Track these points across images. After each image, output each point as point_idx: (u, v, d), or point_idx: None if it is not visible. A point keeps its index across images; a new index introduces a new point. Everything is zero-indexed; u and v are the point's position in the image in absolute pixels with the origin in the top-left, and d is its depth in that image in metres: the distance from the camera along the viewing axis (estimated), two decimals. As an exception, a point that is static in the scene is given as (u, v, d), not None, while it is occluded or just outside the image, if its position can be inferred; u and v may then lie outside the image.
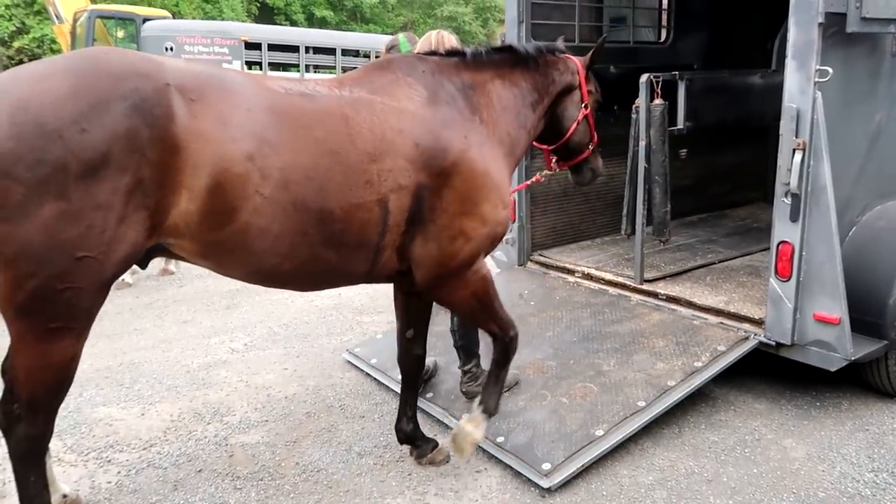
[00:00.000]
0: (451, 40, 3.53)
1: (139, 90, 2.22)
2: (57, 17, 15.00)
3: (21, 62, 18.31)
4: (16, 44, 20.35)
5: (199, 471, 3.43)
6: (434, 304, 3.34)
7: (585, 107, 3.43)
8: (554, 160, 3.64)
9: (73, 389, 4.29)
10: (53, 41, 18.53)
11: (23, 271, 2.14)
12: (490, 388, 3.22)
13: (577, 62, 3.43)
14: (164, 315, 5.82)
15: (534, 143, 3.50)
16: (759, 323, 3.99)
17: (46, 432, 2.53)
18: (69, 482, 3.28)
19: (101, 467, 3.47)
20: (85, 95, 2.14)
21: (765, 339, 3.89)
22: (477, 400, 3.23)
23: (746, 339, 3.96)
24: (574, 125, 3.41)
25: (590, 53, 3.47)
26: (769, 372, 4.29)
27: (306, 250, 2.56)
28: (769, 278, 3.82)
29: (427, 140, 2.73)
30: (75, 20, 14.16)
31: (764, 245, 5.15)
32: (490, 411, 3.19)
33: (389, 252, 2.77)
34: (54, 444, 3.63)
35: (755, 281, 4.72)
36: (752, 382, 4.26)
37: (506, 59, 3.20)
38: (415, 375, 3.44)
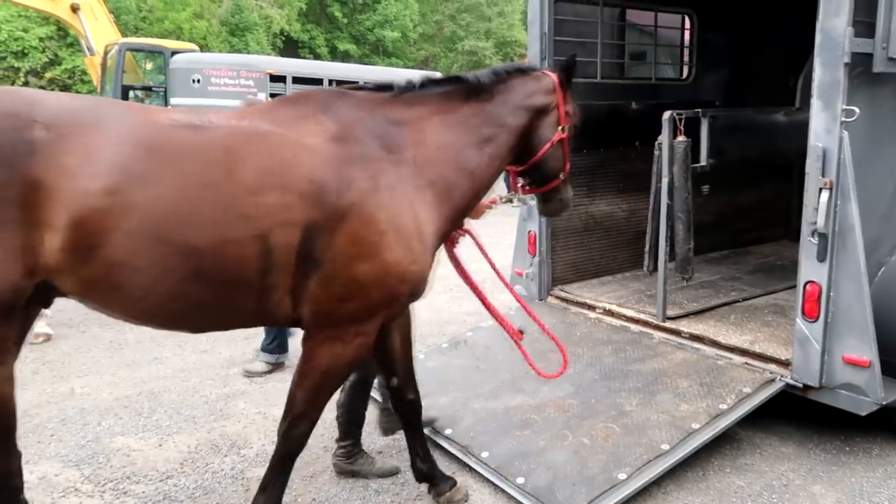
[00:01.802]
0: None
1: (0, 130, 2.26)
2: (88, 49, 15.45)
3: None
4: (48, 74, 20.95)
5: (215, 505, 3.40)
6: (412, 335, 3.22)
7: (563, 130, 3.11)
8: (520, 184, 3.34)
9: (92, 418, 4.34)
10: (84, 72, 19.05)
11: None
12: (265, 492, 2.92)
13: (555, 79, 3.10)
14: (184, 345, 5.83)
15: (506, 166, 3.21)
16: (785, 364, 3.91)
17: (8, 470, 2.51)
18: (85, 514, 3.26)
19: (118, 499, 3.45)
20: None
21: (792, 381, 3.80)
22: None
23: (773, 380, 3.87)
24: (546, 147, 3.08)
25: (561, 69, 3.12)
26: (795, 414, 4.19)
27: (172, 285, 2.44)
28: (796, 318, 3.75)
29: (324, 176, 2.54)
30: (106, 52, 14.56)
31: (788, 283, 5.08)
32: None
33: (281, 293, 2.56)
34: (73, 474, 3.64)
35: (780, 320, 4.64)
36: (779, 425, 4.16)
37: (452, 93, 2.95)
38: (415, 420, 3.34)
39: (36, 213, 2.29)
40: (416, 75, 3.21)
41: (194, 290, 2.47)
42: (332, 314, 2.65)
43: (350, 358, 2.78)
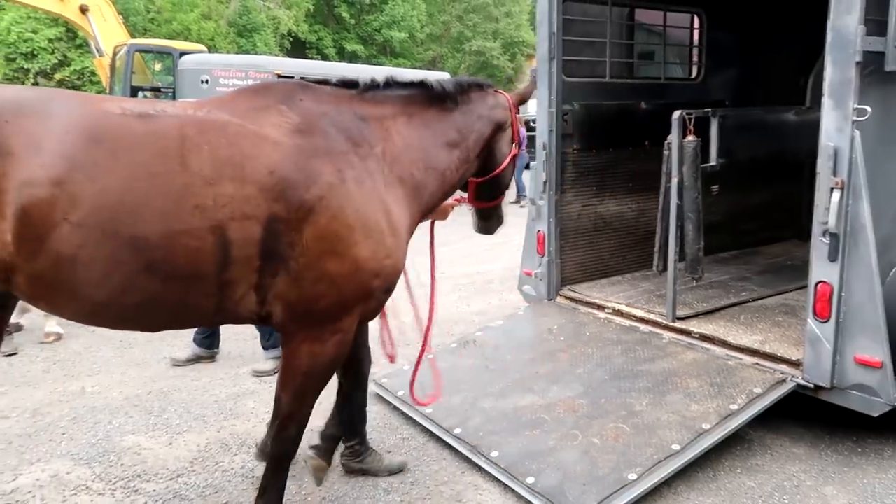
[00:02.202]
0: None
1: None
2: (97, 50, 15.51)
3: (62, 93, 18.85)
4: (57, 76, 21.06)
5: (226, 503, 3.41)
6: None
7: (516, 147, 3.25)
8: (467, 198, 3.39)
9: (103, 417, 4.36)
10: (93, 73, 19.15)
11: None
12: (264, 495, 2.90)
13: (509, 99, 3.24)
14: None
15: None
16: (796, 364, 3.89)
17: None
18: (97, 512, 3.28)
19: (129, 497, 3.46)
20: None
21: (803, 382, 3.78)
22: None
23: (783, 381, 3.85)
24: (507, 159, 3.23)
25: (518, 92, 3.31)
26: (807, 415, 4.17)
27: (122, 280, 2.35)
28: (807, 319, 3.73)
29: (286, 169, 2.47)
30: (115, 54, 14.62)
31: (799, 283, 5.06)
32: None
33: (244, 289, 2.49)
34: (84, 472, 3.66)
35: (791, 321, 4.61)
36: (790, 425, 4.14)
37: (416, 96, 2.99)
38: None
39: None
40: (446, 77, 3.30)
41: (146, 285, 2.37)
42: (306, 312, 2.60)
43: (330, 356, 2.74)
